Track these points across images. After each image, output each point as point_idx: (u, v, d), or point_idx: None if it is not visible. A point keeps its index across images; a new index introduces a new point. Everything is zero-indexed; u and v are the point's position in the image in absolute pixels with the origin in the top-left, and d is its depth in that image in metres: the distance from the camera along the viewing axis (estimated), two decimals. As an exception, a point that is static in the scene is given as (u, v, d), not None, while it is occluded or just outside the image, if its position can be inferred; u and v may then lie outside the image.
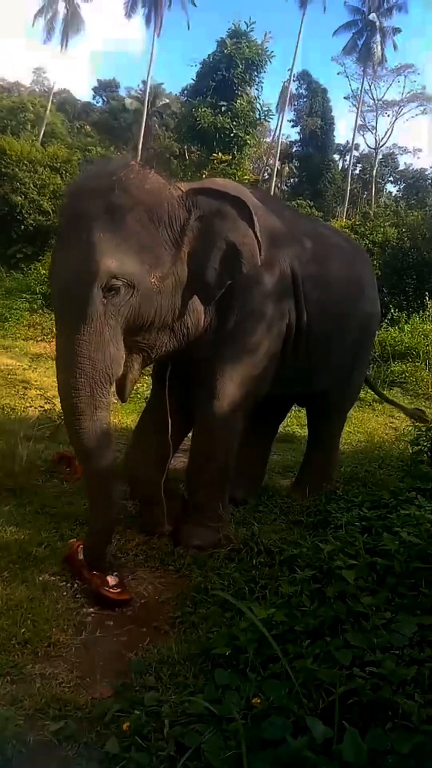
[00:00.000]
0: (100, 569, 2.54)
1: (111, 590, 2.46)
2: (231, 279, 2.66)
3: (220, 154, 14.98)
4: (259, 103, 17.47)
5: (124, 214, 2.34)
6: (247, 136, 16.60)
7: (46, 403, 4.97)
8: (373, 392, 5.41)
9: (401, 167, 36.95)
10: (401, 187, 35.32)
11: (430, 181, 32.92)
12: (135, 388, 6.84)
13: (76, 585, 2.54)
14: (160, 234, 2.44)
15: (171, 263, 2.48)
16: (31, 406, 5.33)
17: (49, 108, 27.23)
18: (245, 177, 14.70)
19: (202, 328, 2.77)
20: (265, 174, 29.98)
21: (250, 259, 2.62)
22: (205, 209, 2.55)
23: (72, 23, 29.26)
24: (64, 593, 2.46)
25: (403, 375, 8.67)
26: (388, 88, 33.83)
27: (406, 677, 1.54)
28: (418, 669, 1.58)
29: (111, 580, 2.53)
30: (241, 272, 2.64)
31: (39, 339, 9.62)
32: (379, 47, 29.93)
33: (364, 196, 32.33)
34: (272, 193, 23.55)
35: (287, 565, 2.54)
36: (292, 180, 31.85)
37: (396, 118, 34.99)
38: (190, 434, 3.17)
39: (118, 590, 2.49)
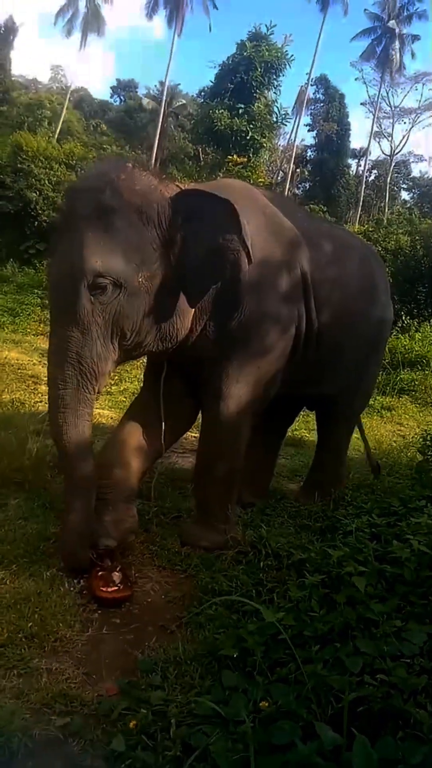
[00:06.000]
0: (79, 569, 2.50)
1: (107, 590, 2.44)
2: (215, 282, 2.64)
3: (235, 156, 14.99)
4: (277, 107, 17.49)
5: (112, 213, 2.36)
6: (264, 140, 16.60)
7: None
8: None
9: (416, 175, 36.90)
10: (415, 194, 35.23)
11: (444, 189, 32.86)
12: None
13: (83, 581, 2.53)
14: (149, 234, 2.44)
15: (159, 263, 2.48)
16: (40, 401, 5.32)
17: (66, 105, 27.35)
18: (260, 180, 14.69)
19: (196, 329, 2.74)
20: (278, 177, 29.93)
21: (234, 263, 2.59)
22: (193, 211, 2.53)
23: (92, 22, 29.39)
24: (72, 589, 2.46)
25: (413, 383, 8.64)
26: (405, 96, 33.92)
27: (417, 687, 1.53)
28: (428, 679, 1.57)
29: (115, 576, 2.51)
30: (225, 276, 2.62)
31: (49, 334, 9.61)
32: (398, 54, 29.88)
33: (378, 203, 32.24)
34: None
35: (295, 569, 2.53)
36: (305, 184, 31.79)
37: (412, 126, 35.07)
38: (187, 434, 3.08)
39: (115, 588, 2.46)
